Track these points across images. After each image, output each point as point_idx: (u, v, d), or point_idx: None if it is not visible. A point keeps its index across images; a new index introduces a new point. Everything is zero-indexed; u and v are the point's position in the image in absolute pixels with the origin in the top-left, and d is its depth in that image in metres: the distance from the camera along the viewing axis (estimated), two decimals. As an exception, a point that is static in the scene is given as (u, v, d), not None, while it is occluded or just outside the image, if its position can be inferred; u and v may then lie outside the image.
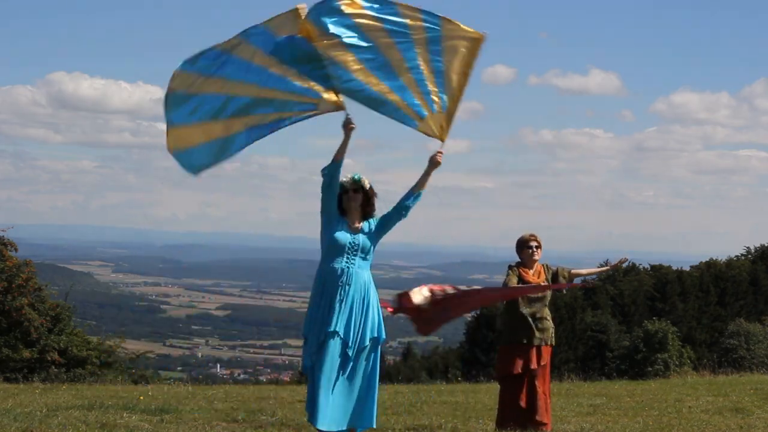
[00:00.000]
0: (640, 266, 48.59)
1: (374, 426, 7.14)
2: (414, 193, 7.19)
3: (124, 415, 9.01)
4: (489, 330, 38.02)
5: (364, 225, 7.18)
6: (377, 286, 7.19)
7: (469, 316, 40.71)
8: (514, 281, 8.59)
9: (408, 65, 7.02)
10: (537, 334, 8.58)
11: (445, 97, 7.09)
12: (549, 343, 8.68)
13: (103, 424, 8.28)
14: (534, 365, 8.57)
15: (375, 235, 7.18)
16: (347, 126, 6.96)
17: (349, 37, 6.91)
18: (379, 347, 7.14)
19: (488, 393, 13.18)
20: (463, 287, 8.03)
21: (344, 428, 7.00)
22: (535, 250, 8.71)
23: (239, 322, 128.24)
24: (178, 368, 75.34)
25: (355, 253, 7.08)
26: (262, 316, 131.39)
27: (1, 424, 8.02)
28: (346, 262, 7.05)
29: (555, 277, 8.80)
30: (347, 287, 7.01)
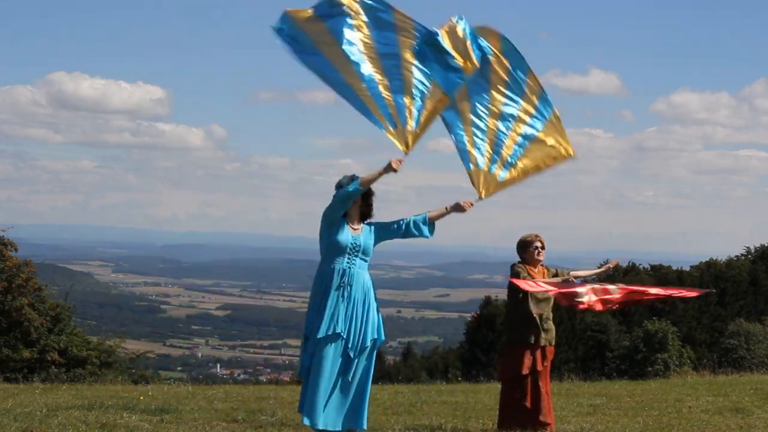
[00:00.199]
0: (640, 266, 48.43)
1: (365, 428, 7.14)
2: (426, 226, 7.29)
3: (124, 415, 9.01)
4: (489, 330, 37.99)
5: (364, 226, 7.19)
6: (377, 287, 7.20)
7: (469, 316, 40.62)
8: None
9: (498, 129, 7.92)
10: (542, 334, 8.58)
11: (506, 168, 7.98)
12: (552, 343, 8.69)
13: (103, 424, 8.28)
14: (540, 366, 8.57)
15: (375, 238, 7.20)
16: (392, 168, 6.91)
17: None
18: (376, 348, 7.15)
19: (488, 393, 13.18)
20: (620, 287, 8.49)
21: (339, 429, 7.01)
22: (540, 250, 8.67)
23: (239, 322, 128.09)
24: (178, 368, 75.29)
25: (355, 253, 7.08)
26: (262, 316, 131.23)
27: (1, 424, 8.02)
28: (347, 263, 7.06)
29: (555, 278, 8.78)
30: (349, 288, 7.02)
